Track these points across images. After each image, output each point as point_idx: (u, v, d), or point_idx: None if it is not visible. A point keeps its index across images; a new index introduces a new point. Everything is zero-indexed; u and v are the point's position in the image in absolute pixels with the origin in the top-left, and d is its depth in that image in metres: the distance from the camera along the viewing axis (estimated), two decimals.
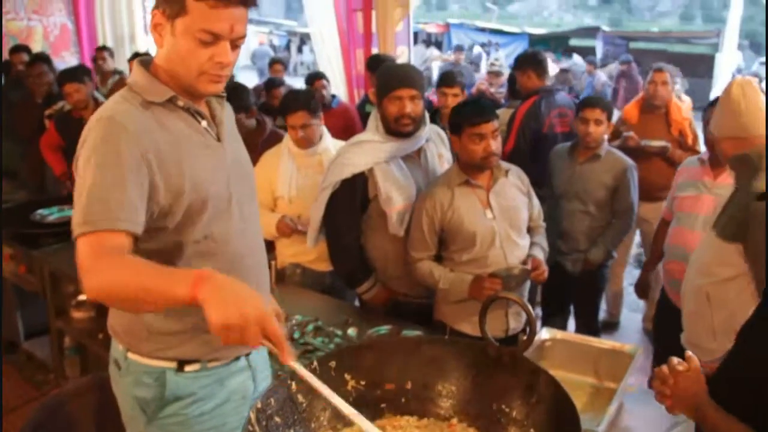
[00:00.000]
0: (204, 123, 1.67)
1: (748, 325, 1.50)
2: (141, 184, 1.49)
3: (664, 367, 1.56)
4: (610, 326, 4.93)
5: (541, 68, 4.32)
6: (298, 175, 3.32)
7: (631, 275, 5.43)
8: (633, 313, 5.11)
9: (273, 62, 7.56)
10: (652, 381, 1.60)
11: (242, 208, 1.73)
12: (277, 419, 1.40)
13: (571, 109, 4.21)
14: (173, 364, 1.68)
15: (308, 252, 3.26)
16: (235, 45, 1.57)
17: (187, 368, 1.70)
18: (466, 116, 2.67)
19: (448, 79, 4.26)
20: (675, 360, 1.55)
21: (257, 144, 3.69)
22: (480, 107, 2.72)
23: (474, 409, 1.55)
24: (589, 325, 3.81)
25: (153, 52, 5.84)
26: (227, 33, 1.52)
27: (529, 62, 4.37)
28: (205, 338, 1.63)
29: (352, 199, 2.84)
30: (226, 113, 1.77)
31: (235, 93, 3.68)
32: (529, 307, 1.57)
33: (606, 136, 3.67)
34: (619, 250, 4.76)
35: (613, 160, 3.63)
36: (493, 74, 7.72)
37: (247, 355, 1.81)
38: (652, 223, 3.94)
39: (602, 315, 4.99)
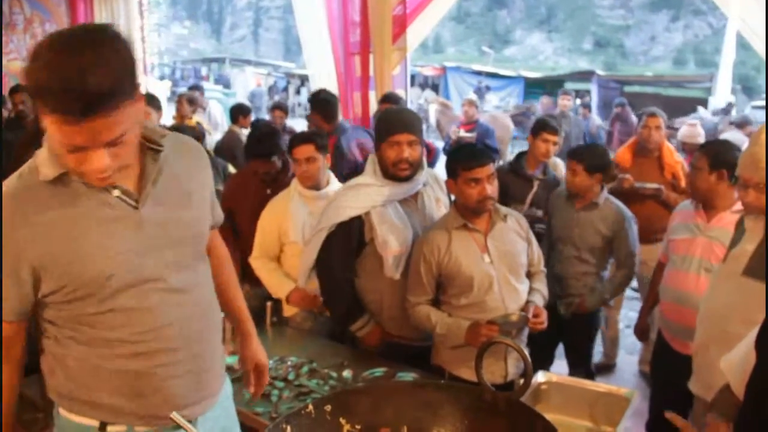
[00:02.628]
0: (116, 192, 1.51)
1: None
2: (21, 271, 1.48)
3: None
4: (607, 369, 4.90)
5: (331, 111, 4.78)
6: (310, 219, 3.23)
7: (627, 317, 5.42)
8: (629, 356, 5.08)
9: (273, 108, 7.70)
10: None
11: (170, 277, 1.59)
12: None
13: (366, 138, 4.75)
14: (96, 423, 1.60)
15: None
16: (115, 144, 1.38)
17: (110, 428, 1.61)
18: (461, 160, 2.69)
19: (549, 125, 4.23)
20: None
21: (281, 184, 3.59)
22: (475, 151, 2.75)
23: None
24: (582, 369, 3.78)
25: (153, 91, 5.90)
26: (91, 143, 1.35)
27: (321, 106, 4.82)
28: (129, 402, 1.59)
29: (347, 242, 2.83)
30: (171, 167, 1.61)
31: (268, 137, 3.69)
32: (525, 353, 1.57)
33: (604, 187, 3.67)
34: None
35: (610, 209, 3.61)
36: (468, 103, 8.08)
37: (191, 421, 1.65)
38: (648, 265, 3.94)
39: (598, 357, 4.97)
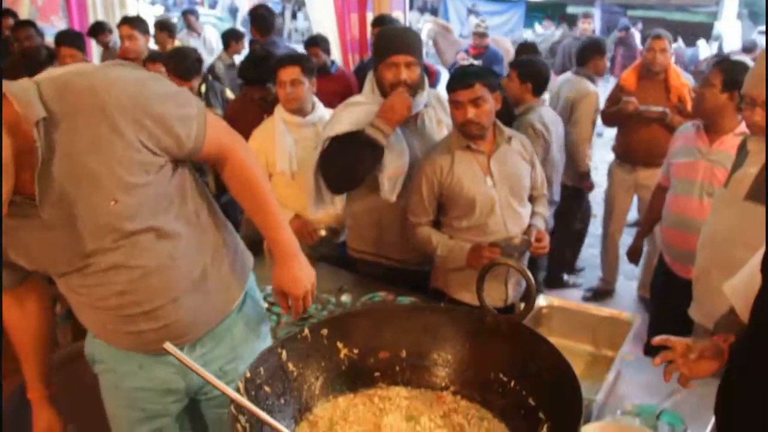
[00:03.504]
0: (17, 197, 1.38)
1: None
2: None
3: None
4: (606, 294, 4.92)
5: (265, 26, 5.39)
6: (297, 148, 3.17)
7: (626, 244, 5.39)
8: (628, 281, 5.08)
9: None
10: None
11: (98, 261, 1.51)
12: (267, 389, 1.35)
13: None
14: None
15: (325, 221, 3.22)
16: None
17: (96, 339, 1.76)
18: (448, 83, 2.61)
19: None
20: None
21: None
22: (462, 73, 2.62)
23: (471, 379, 1.50)
24: None
25: (143, 16, 5.66)
26: None
27: (257, 20, 5.43)
28: (98, 318, 1.67)
29: (343, 151, 2.68)
30: (64, 145, 1.38)
31: (263, 63, 3.60)
32: (529, 274, 1.52)
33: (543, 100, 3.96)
34: (615, 217, 4.74)
35: (527, 120, 3.72)
36: (478, 35, 7.86)
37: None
38: (651, 189, 3.90)
39: (597, 282, 4.98)
